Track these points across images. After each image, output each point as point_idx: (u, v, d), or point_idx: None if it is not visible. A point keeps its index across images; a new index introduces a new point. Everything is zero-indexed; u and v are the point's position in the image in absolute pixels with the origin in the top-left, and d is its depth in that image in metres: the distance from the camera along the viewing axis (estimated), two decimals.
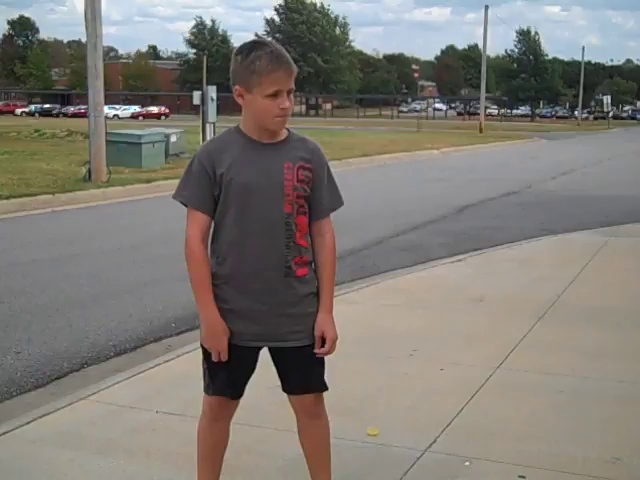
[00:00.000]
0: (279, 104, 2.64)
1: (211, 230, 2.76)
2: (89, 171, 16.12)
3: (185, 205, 2.76)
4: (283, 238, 2.70)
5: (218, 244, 2.76)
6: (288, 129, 2.80)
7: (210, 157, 2.72)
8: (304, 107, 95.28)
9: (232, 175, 2.68)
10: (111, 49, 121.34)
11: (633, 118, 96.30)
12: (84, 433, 3.95)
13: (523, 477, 3.49)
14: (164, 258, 8.62)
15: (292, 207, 2.71)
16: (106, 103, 17.64)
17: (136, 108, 78.57)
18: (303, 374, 2.83)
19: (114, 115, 66.61)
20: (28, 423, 4.05)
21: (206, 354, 2.80)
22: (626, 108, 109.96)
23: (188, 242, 2.72)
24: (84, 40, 16.75)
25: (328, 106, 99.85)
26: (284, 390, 2.92)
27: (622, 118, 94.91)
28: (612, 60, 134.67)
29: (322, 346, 2.78)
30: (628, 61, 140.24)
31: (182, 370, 4.81)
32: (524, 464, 3.61)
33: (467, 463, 3.63)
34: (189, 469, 3.16)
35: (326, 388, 2.90)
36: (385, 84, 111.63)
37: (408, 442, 3.83)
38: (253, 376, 2.89)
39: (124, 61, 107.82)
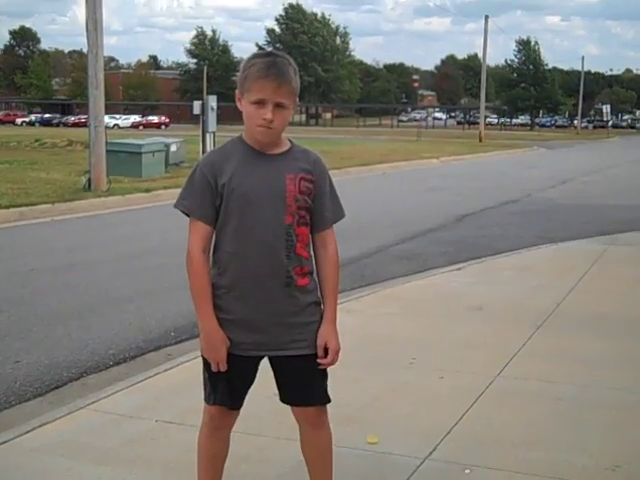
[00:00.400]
0: (262, 114, 2.63)
1: (213, 240, 2.76)
2: (89, 180, 16.15)
3: (187, 214, 2.75)
4: (283, 248, 2.70)
5: (219, 254, 2.75)
6: (291, 141, 2.80)
7: (212, 167, 2.71)
8: (304, 116, 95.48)
9: (234, 185, 2.68)
10: (112, 59, 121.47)
11: (632, 127, 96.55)
12: (83, 442, 3.95)
13: None
14: (163, 267, 8.62)
15: (293, 218, 2.70)
16: (106, 113, 17.66)
17: (136, 118, 78.75)
18: (304, 385, 2.82)
19: (114, 125, 66.72)
20: (27, 432, 4.05)
21: (206, 364, 2.79)
22: (625, 117, 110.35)
23: (189, 251, 2.71)
24: (85, 50, 16.80)
25: (328, 115, 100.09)
26: (285, 401, 2.89)
27: (621, 127, 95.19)
28: (612, 70, 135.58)
29: (324, 356, 2.77)
30: (628, 70, 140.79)
31: (181, 379, 4.81)
32: (524, 472, 3.61)
33: (467, 471, 3.62)
34: (189, 478, 3.15)
35: (328, 400, 2.88)
36: (385, 93, 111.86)
37: (408, 450, 3.82)
38: (252, 385, 2.88)
39: (125, 71, 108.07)
